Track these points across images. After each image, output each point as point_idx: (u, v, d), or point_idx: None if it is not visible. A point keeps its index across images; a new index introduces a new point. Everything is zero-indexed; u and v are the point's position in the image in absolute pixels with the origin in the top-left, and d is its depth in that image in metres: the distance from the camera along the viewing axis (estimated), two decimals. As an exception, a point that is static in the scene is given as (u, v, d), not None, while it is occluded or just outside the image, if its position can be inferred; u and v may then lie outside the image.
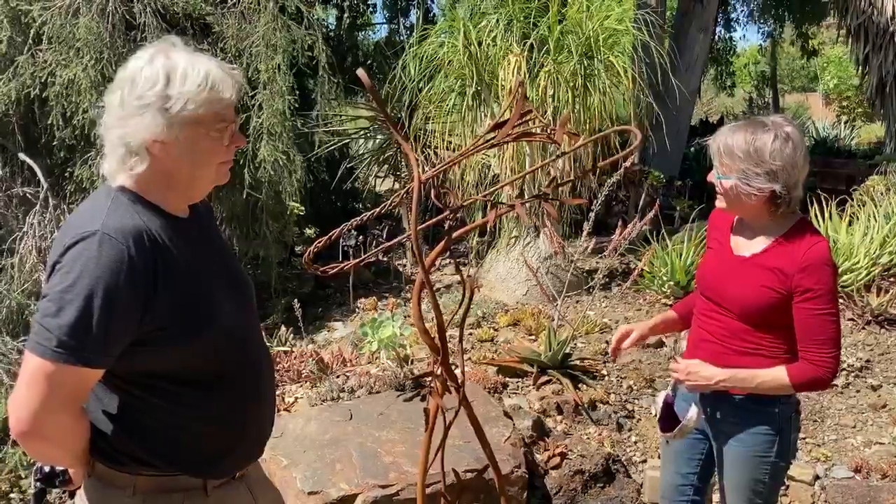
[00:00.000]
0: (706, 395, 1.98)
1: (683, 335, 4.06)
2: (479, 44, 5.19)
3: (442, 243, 1.62)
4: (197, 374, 1.39)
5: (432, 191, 1.57)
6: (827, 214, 5.28)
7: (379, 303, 5.28)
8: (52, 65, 4.28)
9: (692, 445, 2.10)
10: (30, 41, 4.36)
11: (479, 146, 1.56)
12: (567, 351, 3.77)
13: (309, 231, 5.58)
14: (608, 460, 3.15)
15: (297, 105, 4.90)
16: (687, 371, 1.94)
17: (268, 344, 2.49)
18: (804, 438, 3.40)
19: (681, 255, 4.93)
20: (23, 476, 3.08)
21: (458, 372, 1.68)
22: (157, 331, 1.31)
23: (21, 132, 4.53)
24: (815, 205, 5.21)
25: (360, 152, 7.18)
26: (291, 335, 4.30)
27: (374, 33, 10.64)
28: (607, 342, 4.14)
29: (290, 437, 2.88)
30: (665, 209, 6.15)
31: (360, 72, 1.37)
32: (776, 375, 1.85)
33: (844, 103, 18.70)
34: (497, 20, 5.27)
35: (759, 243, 1.91)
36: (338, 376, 3.59)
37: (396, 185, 7.03)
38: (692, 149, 9.59)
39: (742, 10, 14.64)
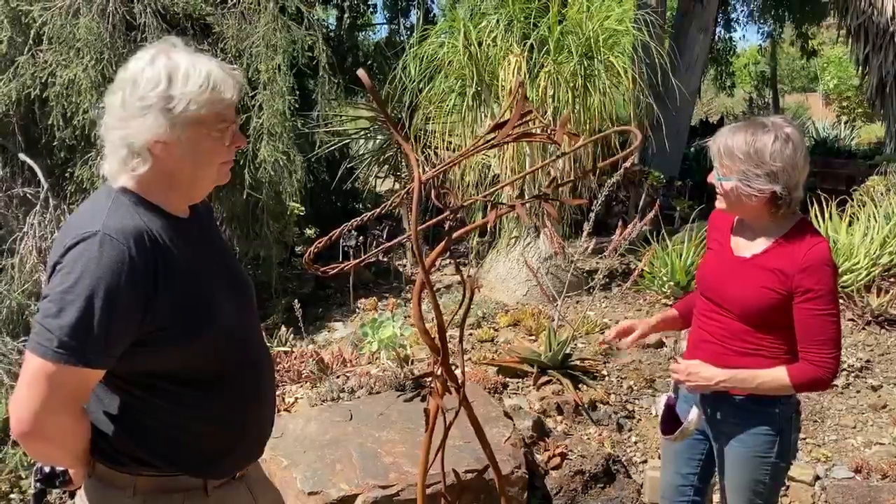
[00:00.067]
0: (706, 396, 1.98)
1: (683, 335, 4.06)
2: (480, 44, 5.19)
3: (442, 244, 1.62)
4: (197, 375, 1.39)
5: (432, 191, 1.57)
6: (827, 215, 5.28)
7: (379, 303, 5.28)
8: (53, 65, 4.28)
9: (692, 446, 2.11)
10: (30, 41, 4.36)
11: (480, 146, 1.56)
12: (567, 351, 3.77)
13: (309, 231, 5.58)
14: (608, 461, 3.15)
15: (297, 105, 4.90)
16: (687, 371, 1.94)
17: (268, 344, 2.49)
18: (804, 439, 3.40)
19: (681, 256, 4.94)
20: (23, 476, 3.08)
21: (458, 372, 1.68)
22: (158, 331, 1.31)
23: (21, 132, 4.54)
24: (816, 205, 5.21)
25: (361, 153, 7.18)
26: (292, 335, 4.30)
27: (375, 34, 10.64)
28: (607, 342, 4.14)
29: (290, 438, 2.88)
30: (665, 209, 6.16)
31: (361, 72, 1.37)
32: (776, 376, 1.85)
33: (844, 103, 18.70)
34: (497, 20, 5.27)
35: (760, 244, 1.91)
36: (338, 376, 3.59)
37: (397, 186, 7.03)
38: (692, 149, 9.59)
39: (742, 11, 14.66)
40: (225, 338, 1.41)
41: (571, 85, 4.96)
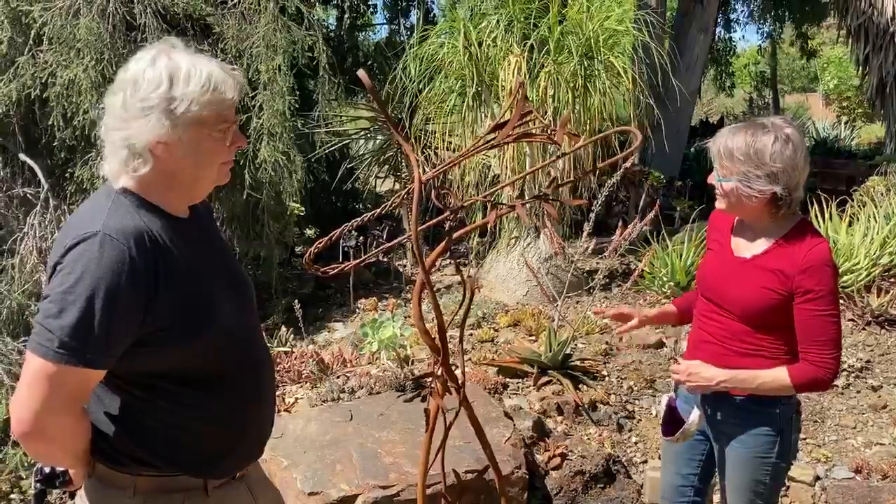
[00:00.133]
0: (707, 396, 1.99)
1: (684, 336, 4.06)
2: (480, 44, 5.19)
3: (442, 244, 1.62)
4: (197, 375, 1.39)
5: (433, 191, 1.57)
6: (827, 215, 5.28)
7: (379, 303, 5.28)
8: (53, 65, 4.28)
9: (693, 446, 2.10)
10: (30, 42, 4.36)
11: (480, 147, 1.56)
12: (567, 351, 3.77)
13: (309, 231, 5.59)
14: (609, 461, 3.15)
15: (297, 106, 4.91)
16: (688, 372, 1.94)
17: (268, 344, 2.50)
18: (804, 439, 3.40)
19: (681, 256, 4.94)
20: (23, 477, 3.08)
21: (458, 372, 1.68)
22: (158, 331, 1.31)
23: (22, 133, 4.54)
24: (816, 205, 5.21)
25: (361, 153, 7.18)
26: (292, 336, 4.30)
27: (375, 34, 10.63)
28: (608, 343, 4.14)
29: (290, 438, 2.88)
30: (665, 210, 6.16)
31: (361, 72, 1.37)
32: (777, 376, 1.85)
33: (844, 104, 18.70)
34: (497, 21, 5.27)
35: (760, 245, 1.91)
36: (338, 377, 3.59)
37: (397, 186, 7.03)
38: (692, 149, 9.59)
39: (742, 11, 14.64)
40: (225, 338, 1.41)
41: (571, 85, 4.97)
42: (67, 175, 4.47)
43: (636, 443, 3.41)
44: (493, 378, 3.62)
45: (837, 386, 3.79)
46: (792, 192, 1.83)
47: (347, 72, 6.39)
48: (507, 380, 3.67)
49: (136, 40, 4.41)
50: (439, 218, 1.64)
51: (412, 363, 3.74)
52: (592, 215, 4.05)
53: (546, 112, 4.88)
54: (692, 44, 8.42)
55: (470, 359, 3.88)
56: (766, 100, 20.51)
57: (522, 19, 5.26)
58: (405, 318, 3.82)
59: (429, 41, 5.48)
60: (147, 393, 1.37)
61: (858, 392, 3.79)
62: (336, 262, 1.67)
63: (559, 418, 3.41)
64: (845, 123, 15.01)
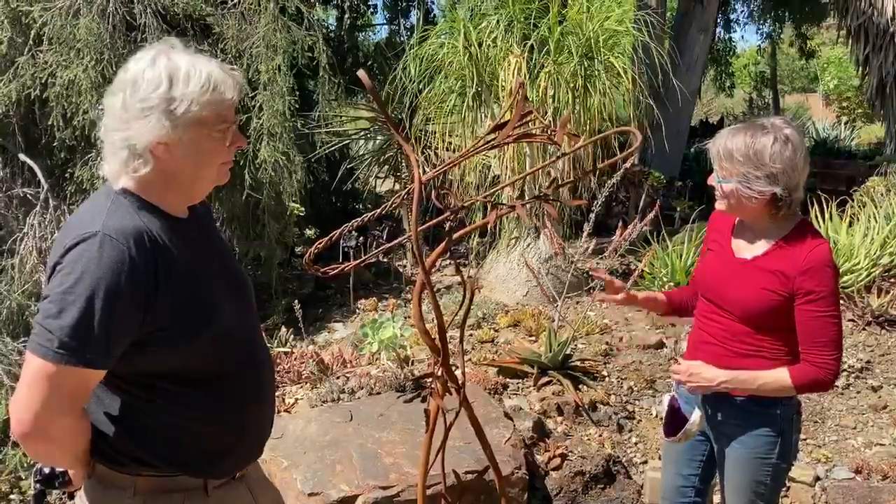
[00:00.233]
0: (708, 397, 1.99)
1: (684, 336, 4.06)
2: (480, 45, 5.19)
3: (443, 244, 1.62)
4: (197, 375, 1.39)
5: (433, 192, 1.57)
6: (827, 215, 5.28)
7: (379, 304, 5.28)
8: (53, 66, 4.28)
9: (694, 447, 2.10)
10: (30, 42, 4.36)
11: (480, 147, 1.56)
12: (567, 352, 3.76)
13: (309, 232, 5.59)
14: (609, 461, 3.14)
15: (297, 106, 4.91)
16: (689, 372, 1.94)
17: (268, 345, 2.49)
18: (805, 439, 3.40)
19: (681, 256, 4.93)
20: (23, 477, 3.08)
21: (458, 373, 1.68)
22: (158, 331, 1.31)
23: (21, 133, 4.54)
24: (816, 206, 5.21)
25: (361, 153, 7.18)
26: (292, 336, 4.30)
27: (375, 34, 10.64)
28: (608, 343, 4.14)
29: (290, 439, 2.88)
30: (665, 210, 6.16)
31: (361, 73, 1.37)
32: (778, 377, 1.85)
33: (844, 104, 18.70)
34: (497, 21, 5.27)
35: (760, 246, 1.91)
36: (338, 377, 3.59)
37: (397, 186, 7.03)
38: (692, 149, 9.60)
39: (742, 11, 14.64)
40: (225, 338, 1.41)
41: (571, 85, 4.97)
42: (67, 175, 4.47)
43: (636, 443, 3.41)
44: (494, 378, 3.62)
45: (837, 386, 3.78)
46: (792, 192, 1.83)
47: (347, 72, 6.39)
48: (508, 380, 3.67)
49: (136, 40, 4.41)
50: (439, 218, 1.64)
51: (412, 364, 3.74)
52: (592, 216, 4.05)
53: (546, 112, 4.88)
54: (692, 44, 8.42)
55: (470, 359, 3.88)
56: (766, 100, 20.50)
57: (522, 19, 5.26)
58: (405, 318, 3.82)
59: (429, 41, 5.48)
60: (147, 393, 1.37)
61: (858, 392, 3.79)
62: (336, 263, 1.67)
63: (559, 419, 3.41)
64: (845, 124, 15.02)
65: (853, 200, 5.82)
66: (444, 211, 1.57)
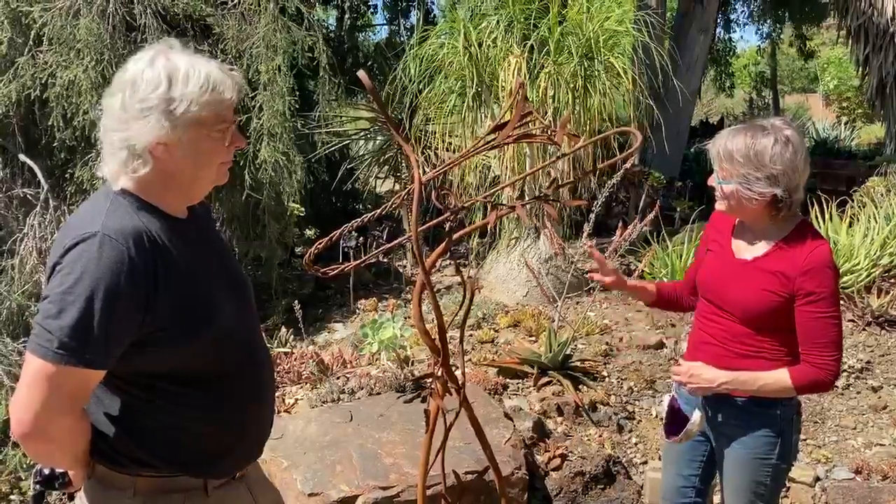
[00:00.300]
0: (708, 398, 1.99)
1: (684, 337, 4.06)
2: (480, 45, 5.19)
3: (443, 245, 1.62)
4: (197, 375, 1.39)
5: (433, 192, 1.57)
6: (827, 215, 5.28)
7: (379, 304, 5.28)
8: (53, 66, 4.28)
9: (694, 447, 2.11)
10: (30, 42, 4.36)
11: (480, 147, 1.56)
12: (567, 352, 3.76)
13: (309, 232, 5.59)
14: (609, 462, 3.14)
15: (297, 106, 4.91)
16: (689, 373, 1.94)
17: (268, 345, 2.49)
18: (805, 440, 3.40)
19: (681, 256, 4.94)
20: (23, 478, 3.08)
21: (458, 373, 1.68)
22: (158, 331, 1.31)
23: (21, 133, 4.54)
24: (816, 206, 5.21)
25: (361, 153, 7.18)
26: (292, 336, 4.30)
27: (375, 34, 10.65)
28: (608, 343, 4.14)
29: (290, 439, 2.88)
30: (665, 210, 6.16)
31: (361, 73, 1.37)
32: (778, 378, 1.85)
33: (844, 104, 18.70)
34: (497, 21, 5.27)
35: (761, 247, 1.91)
36: (338, 378, 3.59)
37: (397, 186, 7.03)
38: (692, 150, 9.60)
39: (742, 11, 14.65)
40: (224, 338, 1.41)
41: (571, 86, 4.96)
42: (67, 176, 4.47)
43: (636, 443, 3.41)
44: (494, 379, 3.62)
45: (838, 387, 3.78)
46: (792, 193, 1.83)
47: (347, 72, 6.40)
48: (508, 380, 3.67)
49: (136, 41, 4.41)
50: (439, 219, 1.64)
51: (412, 364, 3.74)
52: (592, 216, 4.04)
53: (546, 113, 4.88)
54: (692, 44, 8.42)
55: (470, 359, 3.88)
56: (766, 100, 20.51)
57: (522, 20, 5.26)
58: (405, 318, 3.82)
59: (429, 42, 5.48)
60: (147, 393, 1.37)
61: (858, 393, 3.79)
62: (336, 263, 1.67)
63: (559, 419, 3.41)
64: (845, 124, 15.02)
65: (853, 201, 5.82)
66: (444, 211, 1.57)
